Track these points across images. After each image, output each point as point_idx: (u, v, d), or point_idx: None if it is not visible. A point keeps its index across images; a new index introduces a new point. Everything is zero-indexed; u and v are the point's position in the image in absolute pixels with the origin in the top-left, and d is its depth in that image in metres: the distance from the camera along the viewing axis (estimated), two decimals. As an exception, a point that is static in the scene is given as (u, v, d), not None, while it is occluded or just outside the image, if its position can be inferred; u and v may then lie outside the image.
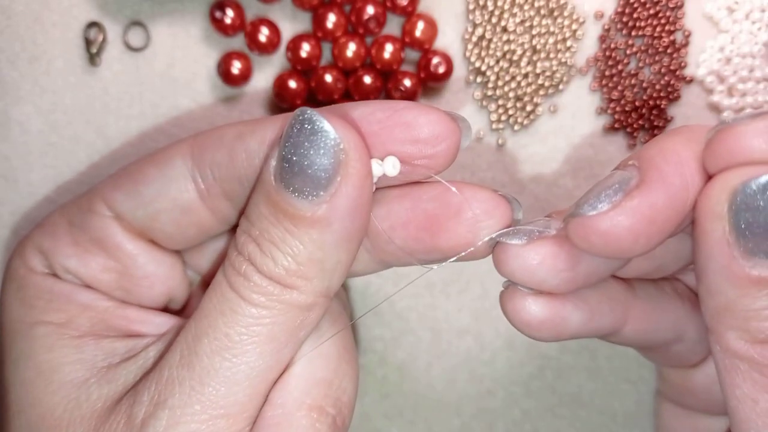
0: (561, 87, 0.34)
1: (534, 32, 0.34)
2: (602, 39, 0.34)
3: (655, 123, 0.34)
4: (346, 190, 0.23)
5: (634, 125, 0.34)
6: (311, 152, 0.23)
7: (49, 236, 0.28)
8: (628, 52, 0.34)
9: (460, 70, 0.34)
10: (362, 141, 0.23)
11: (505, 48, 0.34)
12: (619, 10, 0.34)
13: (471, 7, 0.34)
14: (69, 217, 0.28)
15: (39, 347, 0.26)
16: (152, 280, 0.28)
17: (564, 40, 0.34)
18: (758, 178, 0.20)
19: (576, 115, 0.35)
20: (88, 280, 0.28)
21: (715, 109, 0.34)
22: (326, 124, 0.23)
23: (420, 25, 0.33)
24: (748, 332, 0.21)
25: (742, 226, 0.21)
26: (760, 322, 0.21)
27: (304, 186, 0.23)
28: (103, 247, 0.28)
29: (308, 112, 0.23)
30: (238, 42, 0.34)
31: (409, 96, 0.34)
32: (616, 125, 0.34)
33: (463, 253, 0.25)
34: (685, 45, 0.34)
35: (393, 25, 0.34)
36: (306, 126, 0.23)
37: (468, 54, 0.34)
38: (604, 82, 0.34)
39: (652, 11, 0.34)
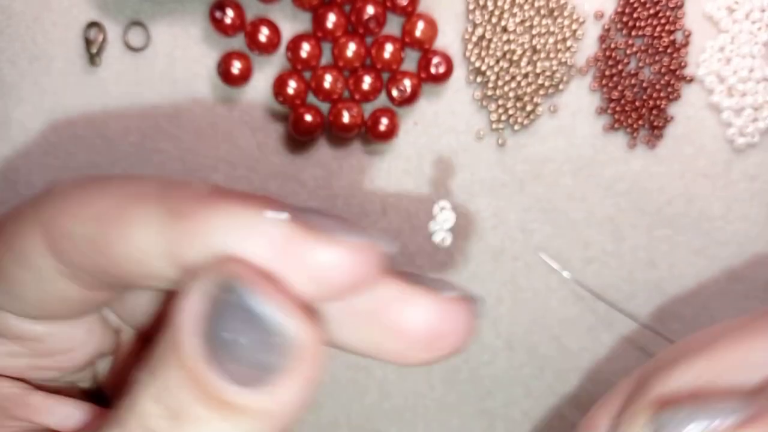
0: (561, 87, 0.34)
1: (534, 32, 0.34)
2: (602, 39, 0.34)
3: (655, 123, 0.34)
4: (296, 385, 0.18)
5: (634, 125, 0.34)
6: (249, 337, 0.17)
7: None
8: (628, 52, 0.34)
9: (460, 70, 0.34)
10: (318, 332, 0.17)
11: (505, 48, 0.34)
12: (619, 10, 0.34)
13: (471, 7, 0.34)
14: None
15: None
16: (70, 353, 0.24)
17: (564, 40, 0.34)
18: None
19: (576, 115, 0.35)
20: None
21: (715, 109, 0.34)
22: (267, 310, 0.17)
23: (420, 25, 0.33)
24: None
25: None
26: None
27: (243, 375, 0.17)
28: (3, 335, 0.23)
29: (238, 288, 0.17)
30: (238, 42, 0.34)
31: (409, 96, 0.34)
32: (616, 125, 0.34)
33: None
34: (685, 45, 0.34)
35: (393, 25, 0.34)
36: (235, 306, 0.17)
37: (468, 54, 0.34)
38: (604, 82, 0.34)
39: (652, 11, 0.34)
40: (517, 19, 0.33)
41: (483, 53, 0.34)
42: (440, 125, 0.35)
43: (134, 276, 0.19)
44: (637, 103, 0.34)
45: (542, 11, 0.34)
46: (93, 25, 0.34)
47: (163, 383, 0.18)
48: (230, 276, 0.17)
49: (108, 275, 0.20)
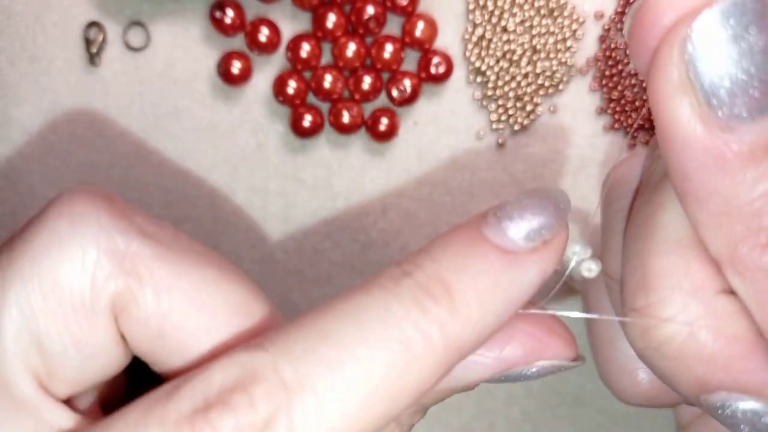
0: (561, 87, 0.34)
1: (534, 32, 0.34)
2: (602, 39, 0.34)
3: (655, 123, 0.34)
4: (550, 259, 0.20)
5: (634, 125, 0.34)
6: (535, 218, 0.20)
7: None
8: (628, 52, 0.34)
9: (460, 70, 0.34)
10: None
11: (505, 48, 0.34)
12: (619, 10, 0.34)
13: (471, 7, 0.34)
14: None
15: None
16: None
17: (564, 40, 0.34)
18: (701, 18, 0.16)
19: (576, 115, 0.35)
20: None
21: (715, 109, 0.34)
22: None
23: (420, 25, 0.33)
24: (765, 232, 0.16)
25: (708, 86, 0.16)
26: None
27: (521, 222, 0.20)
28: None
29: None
30: (238, 42, 0.34)
31: (409, 96, 0.34)
32: (616, 125, 0.34)
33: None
34: (685, 45, 0.34)
35: (393, 25, 0.34)
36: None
37: (468, 54, 0.34)
38: (604, 82, 0.34)
39: (652, 11, 0.34)
40: (517, 19, 0.33)
41: (483, 53, 0.34)
42: (440, 125, 0.35)
43: None
44: (637, 103, 0.34)
45: (542, 11, 0.34)
46: (93, 25, 0.34)
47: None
48: None
49: None
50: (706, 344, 0.18)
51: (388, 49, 0.33)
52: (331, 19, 0.33)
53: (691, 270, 0.19)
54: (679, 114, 0.16)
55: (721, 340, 0.18)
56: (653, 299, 0.19)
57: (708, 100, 0.16)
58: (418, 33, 0.33)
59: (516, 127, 0.35)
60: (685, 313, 0.19)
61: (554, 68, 0.34)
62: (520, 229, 0.19)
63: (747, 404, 0.18)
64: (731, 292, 0.18)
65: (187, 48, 0.34)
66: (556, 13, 0.33)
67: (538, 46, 0.34)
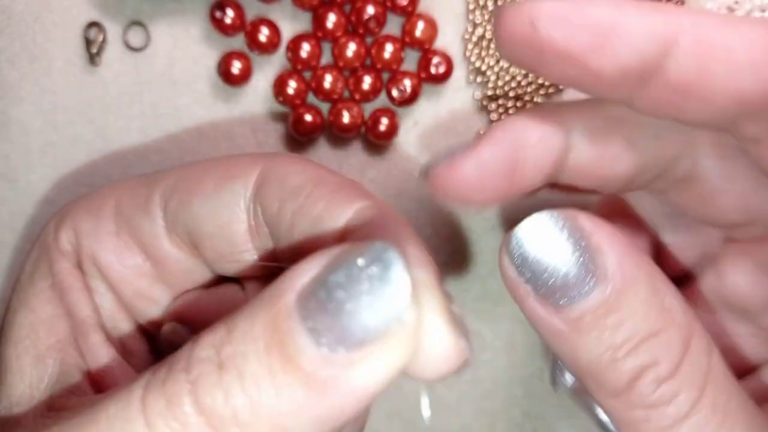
0: (561, 87, 0.34)
1: (534, 32, 0.34)
2: (602, 39, 0.34)
3: (655, 123, 0.34)
4: (382, 366, 0.18)
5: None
6: (364, 300, 0.17)
7: (93, 218, 0.26)
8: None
9: (460, 70, 0.34)
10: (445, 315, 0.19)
11: (505, 48, 0.34)
12: (619, 10, 0.34)
13: (471, 7, 0.34)
14: (119, 203, 0.26)
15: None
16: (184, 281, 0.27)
17: (564, 40, 0.34)
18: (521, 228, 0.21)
19: (576, 115, 0.35)
20: (116, 280, 0.26)
21: (715, 109, 0.34)
22: (404, 278, 0.17)
23: (420, 25, 0.33)
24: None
25: (535, 281, 0.21)
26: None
27: (330, 334, 0.17)
28: (145, 251, 0.26)
29: (391, 254, 0.17)
30: (238, 42, 0.34)
31: (409, 96, 0.34)
32: (616, 125, 0.35)
33: None
34: (685, 45, 0.34)
35: (393, 25, 0.34)
36: (375, 270, 0.17)
37: (468, 54, 0.34)
38: (604, 82, 0.34)
39: (652, 11, 0.34)
40: (517, 19, 0.33)
41: (483, 53, 0.34)
42: (440, 125, 0.35)
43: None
44: (637, 103, 0.34)
45: (542, 11, 0.34)
46: (93, 25, 0.34)
47: (232, 335, 0.17)
48: (388, 250, 0.17)
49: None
50: None
51: (388, 49, 0.33)
52: (331, 19, 0.33)
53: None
54: (523, 301, 0.21)
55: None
56: None
57: (537, 291, 0.21)
58: (418, 33, 0.33)
59: (516, 127, 0.35)
60: None
61: (554, 68, 0.34)
62: (331, 336, 0.17)
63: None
64: None
65: (187, 48, 0.34)
66: (556, 13, 0.33)
67: (538, 46, 0.34)
